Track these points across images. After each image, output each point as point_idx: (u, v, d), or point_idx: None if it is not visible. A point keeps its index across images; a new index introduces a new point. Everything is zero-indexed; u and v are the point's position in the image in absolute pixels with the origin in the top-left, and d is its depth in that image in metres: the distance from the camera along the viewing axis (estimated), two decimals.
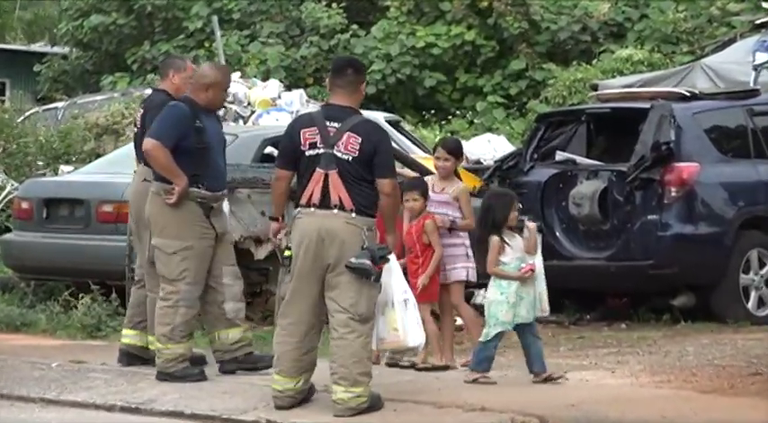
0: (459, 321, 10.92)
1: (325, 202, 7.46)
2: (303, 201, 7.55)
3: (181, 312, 8.43)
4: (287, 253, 7.68)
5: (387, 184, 7.50)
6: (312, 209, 7.49)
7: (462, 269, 9.01)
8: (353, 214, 7.43)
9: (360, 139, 7.46)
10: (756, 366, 8.71)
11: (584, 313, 11.53)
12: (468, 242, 9.03)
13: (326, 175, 7.46)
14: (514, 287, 8.27)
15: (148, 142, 8.40)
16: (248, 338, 8.78)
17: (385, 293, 7.83)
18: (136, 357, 9.07)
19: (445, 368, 8.85)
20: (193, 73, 8.98)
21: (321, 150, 7.50)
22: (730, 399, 7.74)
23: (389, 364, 8.91)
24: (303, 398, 7.68)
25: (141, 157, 8.85)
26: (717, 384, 8.14)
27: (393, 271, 7.97)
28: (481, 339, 8.37)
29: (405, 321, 7.97)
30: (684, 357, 9.28)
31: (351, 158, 7.46)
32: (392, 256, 7.87)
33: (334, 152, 7.47)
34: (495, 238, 8.29)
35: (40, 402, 8.11)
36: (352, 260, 7.37)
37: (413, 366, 8.85)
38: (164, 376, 8.47)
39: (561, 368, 8.86)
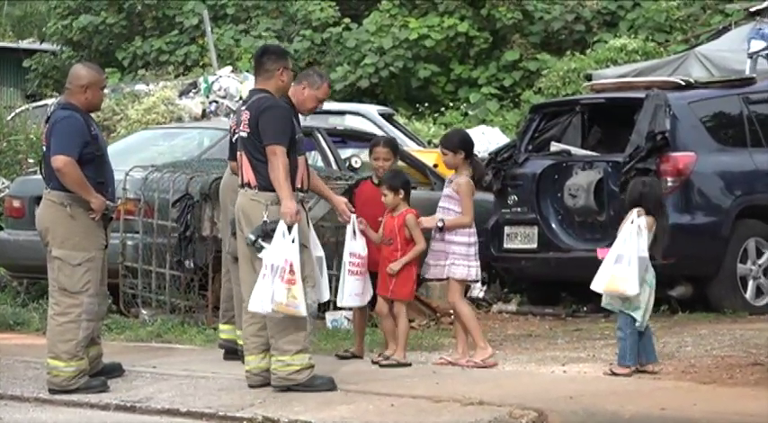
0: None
1: (241, 182, 7.95)
2: None
3: (84, 326, 8.10)
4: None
5: (269, 149, 7.73)
6: (239, 189, 7.99)
7: (462, 267, 8.65)
8: (256, 190, 7.80)
9: (249, 115, 7.84)
10: (755, 356, 8.66)
11: (580, 305, 11.47)
12: (473, 239, 8.66)
13: (242, 156, 7.93)
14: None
15: (59, 160, 8.00)
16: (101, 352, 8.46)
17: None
18: (234, 352, 8.91)
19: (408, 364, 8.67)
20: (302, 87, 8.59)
21: (237, 135, 8.05)
22: (730, 389, 7.68)
23: (374, 362, 8.74)
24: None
25: (229, 155, 8.88)
26: (716, 375, 8.09)
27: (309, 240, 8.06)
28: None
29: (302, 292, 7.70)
30: (683, 348, 9.23)
31: (246, 135, 7.85)
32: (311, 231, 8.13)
33: (240, 133, 7.92)
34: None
35: (35, 402, 8.07)
36: (250, 235, 7.74)
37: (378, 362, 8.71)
38: (63, 393, 8.08)
39: (559, 361, 8.82)
